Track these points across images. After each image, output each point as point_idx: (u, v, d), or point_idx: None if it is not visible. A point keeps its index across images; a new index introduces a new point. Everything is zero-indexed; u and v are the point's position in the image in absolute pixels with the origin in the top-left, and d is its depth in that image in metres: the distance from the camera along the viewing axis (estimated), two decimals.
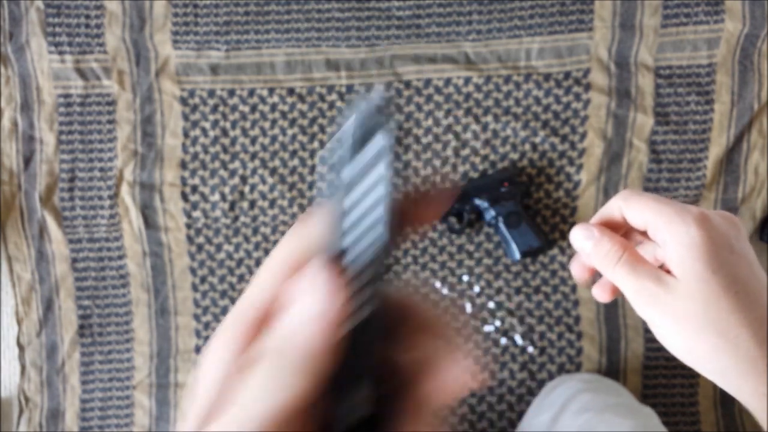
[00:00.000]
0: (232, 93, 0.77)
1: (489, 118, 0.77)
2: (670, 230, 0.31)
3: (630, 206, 0.33)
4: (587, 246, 0.34)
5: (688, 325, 0.30)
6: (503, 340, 0.79)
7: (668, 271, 0.31)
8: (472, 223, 0.78)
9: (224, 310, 0.79)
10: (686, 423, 0.78)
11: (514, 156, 0.77)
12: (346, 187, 0.17)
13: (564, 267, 0.78)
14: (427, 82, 0.77)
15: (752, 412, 0.30)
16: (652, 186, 0.77)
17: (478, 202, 0.74)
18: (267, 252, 0.78)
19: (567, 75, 0.76)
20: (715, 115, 0.76)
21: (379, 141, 0.17)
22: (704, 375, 0.31)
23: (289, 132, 0.78)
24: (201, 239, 0.79)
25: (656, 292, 0.31)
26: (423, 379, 0.19)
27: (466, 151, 0.77)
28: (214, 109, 0.78)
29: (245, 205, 0.78)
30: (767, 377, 0.29)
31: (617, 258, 0.32)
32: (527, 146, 0.77)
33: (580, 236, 0.34)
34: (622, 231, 0.34)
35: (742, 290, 0.30)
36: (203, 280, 0.79)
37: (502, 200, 0.73)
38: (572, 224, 0.77)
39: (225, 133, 0.78)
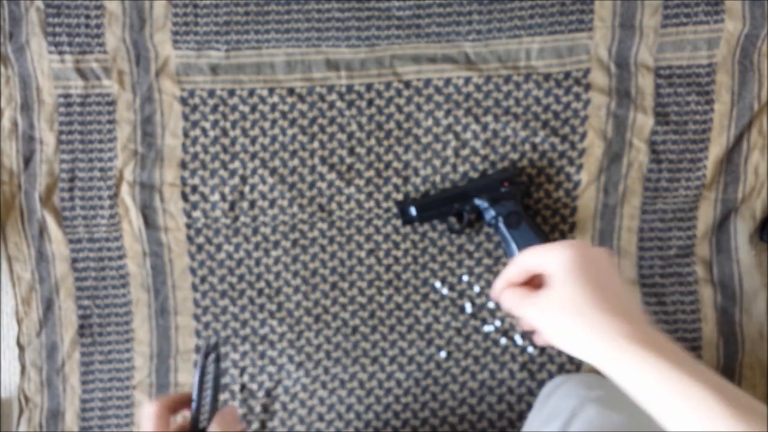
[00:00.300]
0: (232, 93, 0.77)
1: (489, 118, 0.77)
2: (551, 256, 0.44)
3: (526, 257, 0.47)
4: (503, 292, 0.50)
5: (558, 313, 0.43)
6: (503, 340, 0.79)
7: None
8: (472, 223, 0.78)
9: (224, 310, 0.79)
10: None
11: (514, 156, 0.77)
12: (200, 385, 0.47)
13: None
14: (427, 82, 0.77)
15: (604, 372, 0.41)
16: (652, 186, 0.77)
17: (478, 202, 0.74)
18: (267, 252, 0.79)
19: (567, 75, 0.76)
20: (715, 115, 0.76)
21: (211, 364, 0.47)
22: (571, 353, 0.43)
23: (289, 132, 0.78)
24: (201, 239, 0.79)
25: (539, 302, 0.45)
26: None
27: (466, 151, 0.77)
28: (214, 109, 0.78)
29: (245, 205, 0.78)
30: (615, 340, 0.40)
31: (521, 297, 0.47)
32: (527, 146, 0.77)
33: (498, 287, 0.50)
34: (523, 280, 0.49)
35: (598, 288, 0.43)
36: (203, 280, 0.79)
37: (502, 200, 0.73)
38: (572, 224, 0.77)
39: (225, 133, 0.78)
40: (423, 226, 0.78)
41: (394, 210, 0.78)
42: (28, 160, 0.78)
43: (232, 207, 0.78)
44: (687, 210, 0.77)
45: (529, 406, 0.78)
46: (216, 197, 0.78)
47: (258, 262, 0.79)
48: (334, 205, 0.78)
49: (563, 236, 0.78)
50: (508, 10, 0.76)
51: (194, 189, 0.78)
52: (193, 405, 0.47)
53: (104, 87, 0.77)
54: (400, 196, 0.78)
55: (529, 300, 0.46)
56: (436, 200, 0.75)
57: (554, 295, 0.44)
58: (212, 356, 0.47)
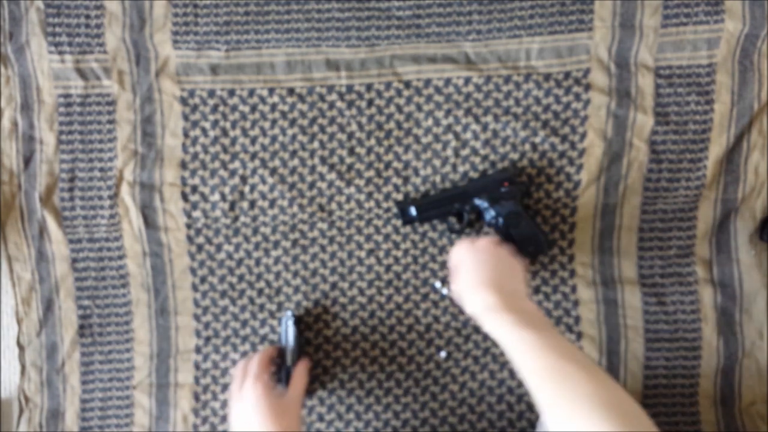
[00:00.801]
0: (232, 93, 0.77)
1: (489, 118, 0.77)
2: (454, 250, 0.68)
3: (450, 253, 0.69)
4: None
5: (455, 289, 0.66)
6: None
7: None
8: (472, 223, 0.78)
9: (224, 310, 0.79)
10: (686, 423, 0.78)
11: (514, 156, 0.77)
12: (287, 336, 0.76)
13: (564, 267, 0.78)
14: (427, 82, 0.77)
15: (488, 332, 0.60)
16: (652, 186, 0.77)
17: (478, 202, 0.74)
18: (267, 252, 0.79)
19: (567, 75, 0.76)
20: (715, 115, 0.76)
21: (290, 321, 0.76)
22: (468, 312, 0.63)
23: (289, 132, 0.78)
24: (201, 239, 0.79)
25: (453, 282, 0.67)
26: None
27: (466, 151, 0.77)
28: (214, 109, 0.78)
29: (245, 205, 0.78)
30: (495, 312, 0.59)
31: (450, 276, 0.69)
32: (527, 146, 0.77)
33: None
34: None
35: (483, 272, 0.63)
36: (203, 280, 0.79)
37: (502, 200, 0.73)
38: (572, 224, 0.77)
39: (225, 133, 0.78)
40: (423, 226, 0.78)
41: (394, 210, 0.78)
42: (28, 160, 0.78)
43: (232, 207, 0.78)
44: (687, 210, 0.77)
45: (529, 406, 0.79)
46: (216, 197, 0.78)
47: (258, 262, 0.79)
48: (334, 205, 0.78)
49: (563, 236, 0.78)
50: (508, 10, 0.76)
51: (194, 189, 0.78)
52: (289, 349, 0.75)
53: (104, 87, 0.77)
54: (400, 196, 0.78)
55: (452, 278, 0.68)
56: (436, 200, 0.75)
57: (455, 277, 0.66)
58: (292, 319, 0.76)
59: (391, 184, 0.78)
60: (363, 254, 0.79)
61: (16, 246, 0.79)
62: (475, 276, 0.63)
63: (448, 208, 0.75)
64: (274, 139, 0.78)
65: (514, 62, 0.76)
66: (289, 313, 0.77)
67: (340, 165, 0.78)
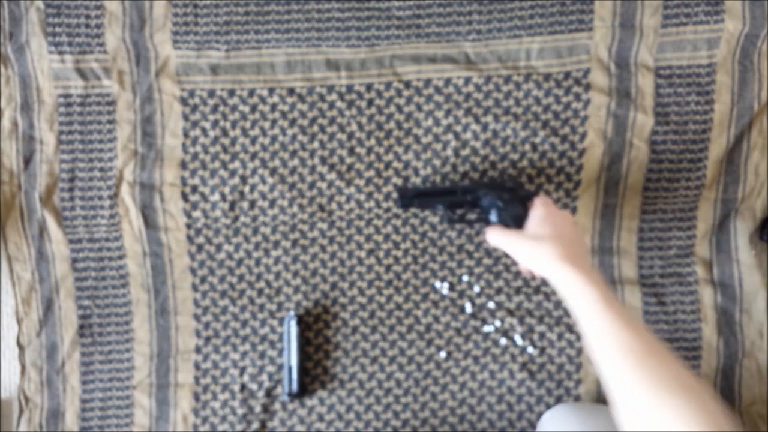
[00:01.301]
0: (232, 93, 0.77)
1: (489, 118, 0.77)
2: (537, 204, 0.66)
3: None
4: (489, 231, 0.68)
5: (526, 240, 0.63)
6: (503, 340, 0.79)
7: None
8: (471, 223, 0.78)
9: (224, 310, 0.79)
10: None
11: (514, 156, 0.77)
12: (289, 336, 0.77)
13: None
14: (427, 82, 0.77)
15: (553, 284, 0.60)
16: (652, 186, 0.77)
17: (478, 202, 0.73)
18: (267, 252, 0.79)
19: (567, 75, 0.76)
20: (715, 115, 0.76)
21: (293, 321, 0.77)
22: (535, 271, 0.63)
23: (289, 132, 0.78)
24: (201, 239, 0.79)
25: (516, 234, 0.65)
26: None
27: (466, 151, 0.77)
28: (214, 109, 0.78)
29: (245, 205, 0.78)
30: (559, 264, 0.60)
31: (502, 232, 0.66)
32: (527, 146, 0.77)
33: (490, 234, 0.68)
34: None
35: (559, 227, 0.63)
36: (203, 280, 0.79)
37: (500, 209, 0.71)
38: None
39: (225, 133, 0.78)
40: (423, 226, 0.78)
41: (394, 210, 0.78)
42: (28, 160, 0.78)
43: (232, 207, 0.78)
44: (687, 210, 0.77)
45: (529, 406, 0.79)
46: (216, 197, 0.78)
47: (258, 262, 0.79)
48: (334, 205, 0.78)
49: None
50: (508, 10, 0.76)
51: (194, 189, 0.78)
52: (291, 349, 0.77)
53: (104, 87, 0.77)
54: None
55: (508, 233, 0.66)
56: (436, 191, 0.73)
57: (525, 231, 0.65)
58: (295, 319, 0.77)
59: (391, 184, 0.78)
60: (363, 254, 0.79)
61: (16, 246, 0.79)
62: (551, 228, 0.63)
63: (449, 199, 0.72)
64: (274, 139, 0.78)
65: (514, 62, 0.76)
66: (292, 313, 0.77)
67: (340, 165, 0.78)
